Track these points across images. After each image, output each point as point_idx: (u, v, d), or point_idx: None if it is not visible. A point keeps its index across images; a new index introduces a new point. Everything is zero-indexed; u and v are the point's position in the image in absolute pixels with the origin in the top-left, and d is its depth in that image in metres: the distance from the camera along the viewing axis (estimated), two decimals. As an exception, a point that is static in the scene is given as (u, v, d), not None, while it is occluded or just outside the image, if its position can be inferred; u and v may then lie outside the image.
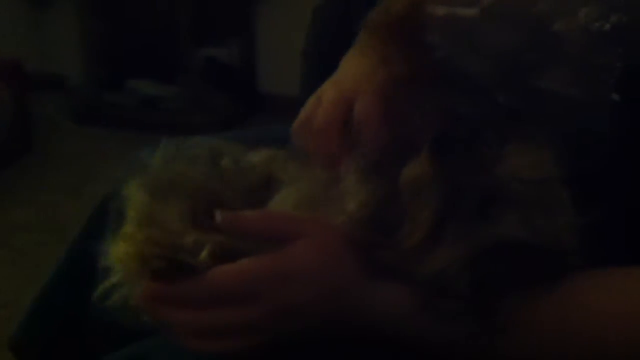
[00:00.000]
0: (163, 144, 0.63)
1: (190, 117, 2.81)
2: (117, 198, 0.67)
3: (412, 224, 0.51)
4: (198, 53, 2.99)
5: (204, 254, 0.53)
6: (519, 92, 0.52)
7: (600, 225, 0.48)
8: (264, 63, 3.05)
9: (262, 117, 2.94)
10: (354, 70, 0.63)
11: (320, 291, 0.53)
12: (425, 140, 0.52)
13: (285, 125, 0.67)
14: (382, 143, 0.57)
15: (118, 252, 0.56)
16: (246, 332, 0.53)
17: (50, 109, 2.98)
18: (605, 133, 0.52)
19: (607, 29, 0.50)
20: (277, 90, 2.90)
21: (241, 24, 3.01)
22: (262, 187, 0.61)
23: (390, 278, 0.53)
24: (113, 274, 0.58)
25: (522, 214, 0.50)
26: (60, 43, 3.15)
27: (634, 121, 0.54)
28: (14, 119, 2.58)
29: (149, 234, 0.55)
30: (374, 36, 0.61)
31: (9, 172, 2.50)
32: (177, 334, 0.55)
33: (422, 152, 0.52)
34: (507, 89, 0.52)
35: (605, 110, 0.52)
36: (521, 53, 0.52)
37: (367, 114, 0.59)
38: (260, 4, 2.97)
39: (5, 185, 2.43)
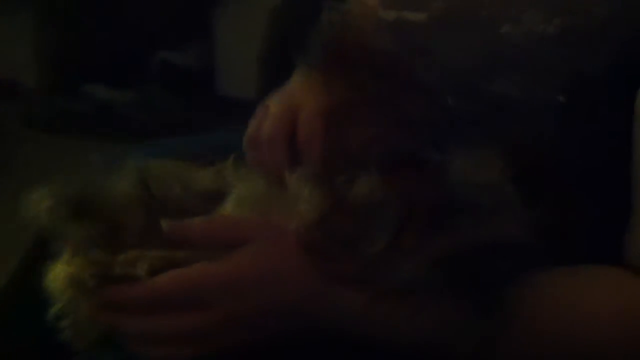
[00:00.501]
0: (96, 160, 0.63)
1: (147, 122, 2.78)
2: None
3: (368, 240, 0.51)
4: (155, 57, 2.97)
5: (142, 268, 0.53)
6: (467, 95, 0.53)
7: (552, 224, 0.49)
8: (223, 66, 3.03)
9: (221, 121, 2.92)
10: (302, 83, 0.63)
11: (271, 298, 0.52)
12: (373, 153, 0.52)
13: (244, 130, 0.67)
14: (324, 158, 0.57)
15: (56, 276, 0.56)
16: (198, 339, 0.53)
17: (3, 116, 2.92)
18: (551, 134, 0.53)
19: (550, 32, 0.52)
20: (237, 94, 2.89)
21: (199, 26, 2.99)
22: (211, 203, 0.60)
23: (349, 284, 0.52)
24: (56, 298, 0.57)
25: (477, 217, 0.50)
26: (12, 47, 3.09)
27: (579, 122, 0.55)
28: (-35, 125, 2.53)
29: (84, 256, 0.55)
30: (320, 59, 0.61)
31: (-40, 180, 2.45)
32: (131, 341, 0.55)
33: (371, 170, 0.52)
34: (455, 93, 0.52)
35: (551, 112, 0.53)
36: (469, 57, 0.52)
37: (310, 130, 0.60)
38: (219, 7, 2.95)
39: (-43, 193, 2.38)
